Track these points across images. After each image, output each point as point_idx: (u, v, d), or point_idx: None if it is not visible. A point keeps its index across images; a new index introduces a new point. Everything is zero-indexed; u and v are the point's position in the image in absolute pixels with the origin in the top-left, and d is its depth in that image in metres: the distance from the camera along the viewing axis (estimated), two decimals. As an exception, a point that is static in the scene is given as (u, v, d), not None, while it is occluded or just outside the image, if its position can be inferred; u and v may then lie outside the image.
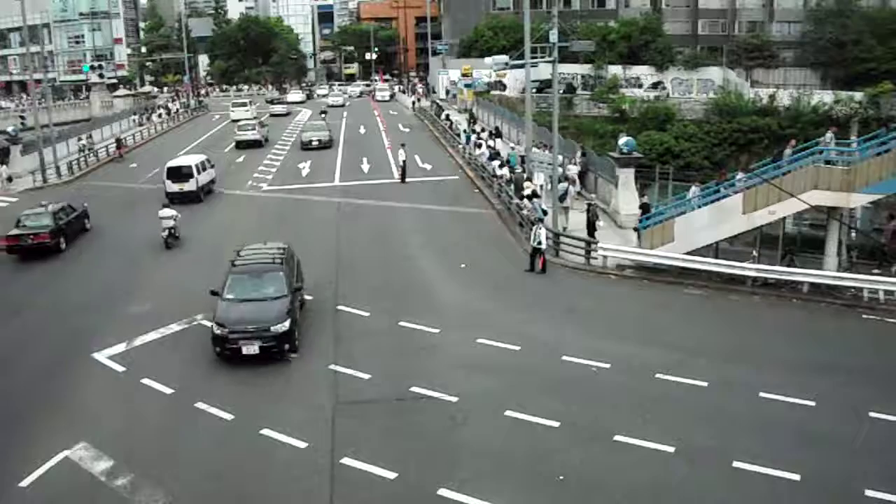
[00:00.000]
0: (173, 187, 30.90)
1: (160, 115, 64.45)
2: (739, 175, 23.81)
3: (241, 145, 45.86)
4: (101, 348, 16.61)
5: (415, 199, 31.13)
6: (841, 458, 12.02)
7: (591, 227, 24.61)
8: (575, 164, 30.99)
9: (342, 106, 71.42)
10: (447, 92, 69.02)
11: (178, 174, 31.43)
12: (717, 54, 71.85)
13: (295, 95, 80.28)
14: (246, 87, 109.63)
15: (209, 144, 50.11)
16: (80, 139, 46.54)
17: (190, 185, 31.22)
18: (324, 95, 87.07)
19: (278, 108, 65.51)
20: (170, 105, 70.19)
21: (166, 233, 25.11)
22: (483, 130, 44.63)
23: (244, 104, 61.84)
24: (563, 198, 26.19)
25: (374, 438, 12.79)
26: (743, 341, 17.05)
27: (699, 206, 23.03)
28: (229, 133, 51.23)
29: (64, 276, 22.97)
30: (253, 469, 11.97)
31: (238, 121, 51.73)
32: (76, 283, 22.11)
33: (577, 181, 30.22)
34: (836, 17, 66.23)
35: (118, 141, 47.42)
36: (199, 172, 31.97)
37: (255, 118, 52.70)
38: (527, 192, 27.20)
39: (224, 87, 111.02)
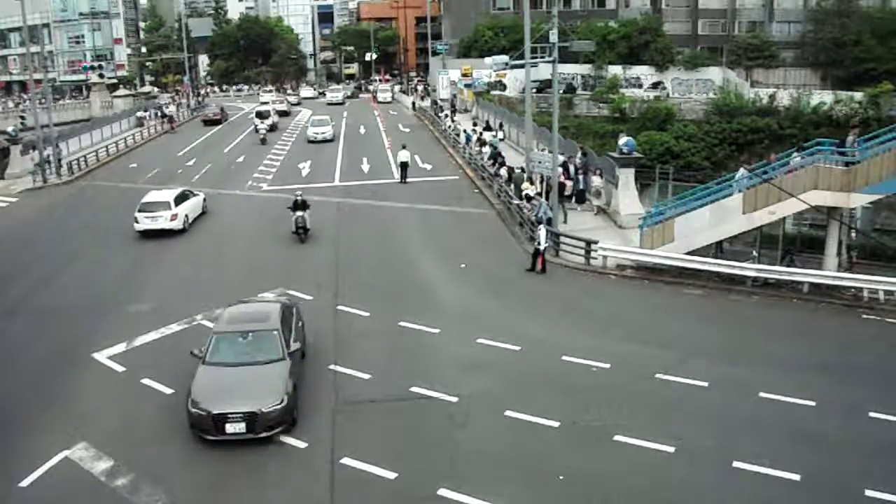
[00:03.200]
0: (257, 121, 51.65)
1: (154, 116, 61.72)
2: (795, 156, 23.39)
3: (271, 123, 61.08)
4: (101, 348, 16.60)
5: (415, 199, 31.13)
6: (841, 458, 12.02)
7: (547, 195, 25.81)
8: (599, 175, 28.88)
9: (331, 141, 47.87)
10: (450, 94, 68.60)
11: (261, 115, 53.03)
12: (717, 54, 71.74)
13: (306, 92, 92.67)
14: (246, 87, 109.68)
15: (209, 145, 50.20)
16: (45, 149, 38.45)
17: (268, 122, 52.18)
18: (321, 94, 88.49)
19: (291, 99, 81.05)
20: (164, 109, 64.88)
21: (262, 133, 49.00)
22: (476, 124, 45.38)
23: (270, 91, 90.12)
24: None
25: (374, 438, 12.79)
26: (743, 341, 17.05)
27: (742, 190, 22.75)
28: (229, 134, 53.99)
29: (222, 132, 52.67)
30: (253, 469, 11.96)
31: (266, 102, 68.48)
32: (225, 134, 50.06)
33: (602, 194, 28.70)
34: (836, 17, 66.15)
35: (171, 118, 60.95)
36: (272, 115, 55.60)
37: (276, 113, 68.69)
38: (529, 192, 27.21)
39: (224, 87, 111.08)
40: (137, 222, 26.40)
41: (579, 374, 15.12)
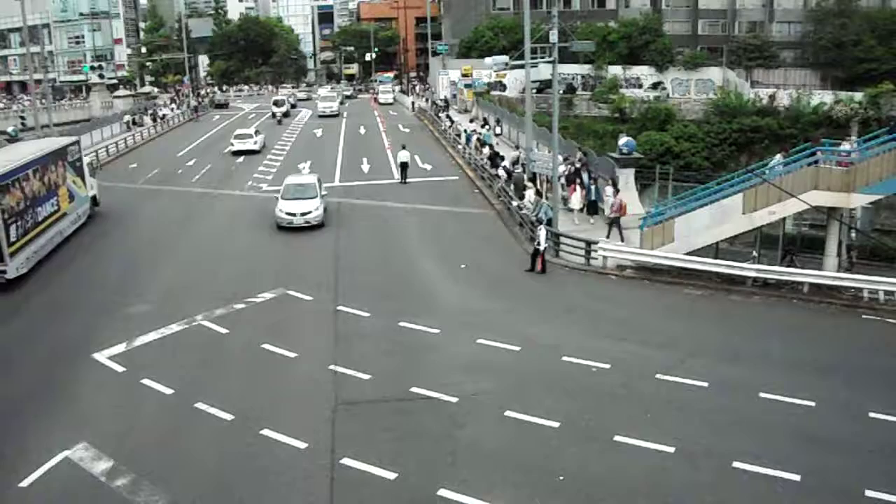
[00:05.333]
0: (274, 108, 64.09)
1: (148, 119, 60.72)
2: (845, 145, 22.81)
3: (292, 106, 72.67)
4: (101, 348, 16.59)
5: (415, 199, 31.14)
6: (841, 458, 12.01)
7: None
8: (613, 185, 26.37)
9: (321, 227, 26.61)
10: (448, 94, 68.73)
11: (277, 104, 65.16)
12: (717, 54, 71.85)
13: (324, 90, 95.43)
14: (246, 87, 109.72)
15: (209, 145, 50.26)
16: None
17: (283, 108, 64.29)
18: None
19: (301, 95, 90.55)
20: (157, 111, 64.43)
21: (279, 116, 61.68)
22: (473, 121, 46.13)
23: (286, 87, 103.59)
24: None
25: (374, 438, 12.78)
26: (743, 341, 17.04)
27: (781, 171, 22.15)
28: (229, 134, 53.10)
29: (222, 132, 54.63)
30: (253, 469, 11.96)
31: (279, 102, 71.34)
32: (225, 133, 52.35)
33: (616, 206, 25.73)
34: (836, 17, 66.26)
35: (196, 107, 72.05)
36: (287, 104, 67.54)
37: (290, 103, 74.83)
38: (528, 196, 27.18)
39: (224, 87, 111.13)
40: (232, 145, 44.67)
41: (579, 374, 15.11)
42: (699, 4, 74.46)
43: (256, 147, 44.37)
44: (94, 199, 30.00)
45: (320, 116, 64.54)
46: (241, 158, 42.98)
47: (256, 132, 46.32)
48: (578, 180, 27.59)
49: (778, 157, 23.98)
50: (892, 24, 63.87)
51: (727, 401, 13.92)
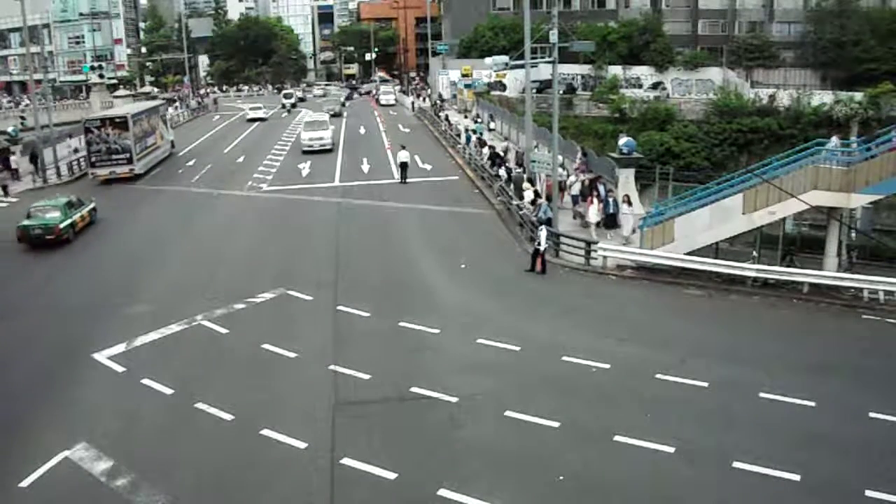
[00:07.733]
0: (284, 100, 74.77)
1: None
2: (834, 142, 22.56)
3: (293, 101, 77.29)
4: (101, 348, 16.59)
5: (415, 199, 31.12)
6: (841, 458, 12.02)
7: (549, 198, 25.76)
8: (628, 203, 24.88)
9: None
10: (448, 94, 68.82)
11: (287, 97, 76.54)
12: (717, 54, 71.84)
13: (313, 115, 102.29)
14: (246, 87, 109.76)
15: (209, 145, 50.25)
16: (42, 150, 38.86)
17: (291, 101, 74.57)
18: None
19: (317, 91, 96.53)
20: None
21: (287, 107, 72.22)
22: (466, 117, 47.85)
23: (318, 87, 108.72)
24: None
25: (374, 438, 12.78)
26: (743, 341, 17.05)
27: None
28: (229, 133, 54.48)
29: (222, 132, 41.33)
30: (253, 469, 11.96)
31: (288, 95, 79.98)
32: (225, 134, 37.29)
33: (632, 222, 24.63)
34: (836, 17, 66.24)
35: (215, 100, 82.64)
36: (295, 97, 78.44)
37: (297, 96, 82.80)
38: (527, 195, 27.15)
39: (224, 87, 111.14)
40: (249, 114, 62.35)
41: (579, 374, 15.12)
42: (699, 4, 74.42)
43: (266, 116, 62.15)
44: (171, 142, 45.47)
45: (306, 152, 42.92)
46: (241, 158, 42.98)
47: (264, 106, 63.63)
48: (595, 193, 26.11)
49: (834, 139, 23.71)
50: (892, 24, 63.82)
51: (727, 401, 13.93)
